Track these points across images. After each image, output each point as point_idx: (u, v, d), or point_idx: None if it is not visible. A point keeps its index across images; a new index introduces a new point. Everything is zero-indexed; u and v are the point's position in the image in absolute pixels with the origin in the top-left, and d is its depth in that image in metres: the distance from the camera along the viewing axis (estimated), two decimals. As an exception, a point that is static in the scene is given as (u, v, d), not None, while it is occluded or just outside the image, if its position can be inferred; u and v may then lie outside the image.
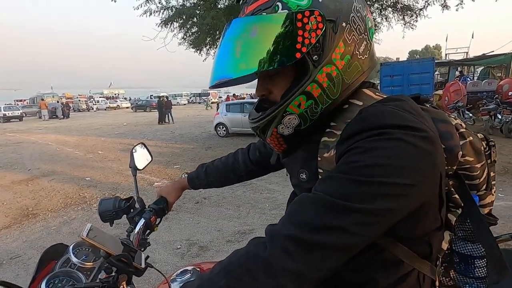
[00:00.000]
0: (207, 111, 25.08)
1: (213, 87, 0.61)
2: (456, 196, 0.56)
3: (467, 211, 0.57)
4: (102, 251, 0.59)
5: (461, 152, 0.54)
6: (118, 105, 38.02)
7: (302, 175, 0.60)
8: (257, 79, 0.61)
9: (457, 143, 0.53)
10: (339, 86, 0.54)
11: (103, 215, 0.91)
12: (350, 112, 0.54)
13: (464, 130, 0.58)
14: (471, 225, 0.60)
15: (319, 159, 0.54)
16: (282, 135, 0.58)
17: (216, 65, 0.57)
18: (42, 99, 25.92)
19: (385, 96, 0.56)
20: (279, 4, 0.51)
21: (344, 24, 0.52)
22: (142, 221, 0.90)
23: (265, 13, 0.52)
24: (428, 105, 0.58)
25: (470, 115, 9.04)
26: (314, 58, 0.51)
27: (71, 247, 0.78)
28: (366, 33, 0.55)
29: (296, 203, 0.48)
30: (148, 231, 0.93)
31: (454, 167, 0.55)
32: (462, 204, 0.56)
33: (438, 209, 0.52)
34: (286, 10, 0.50)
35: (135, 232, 0.89)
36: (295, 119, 0.55)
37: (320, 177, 0.54)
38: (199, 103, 42.41)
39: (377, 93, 0.57)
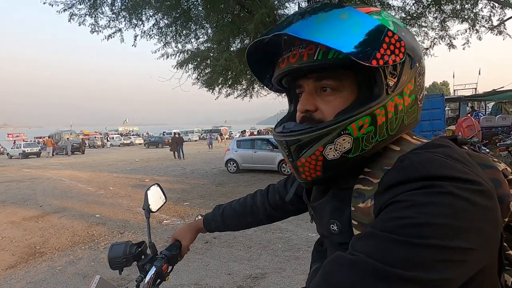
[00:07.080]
0: (216, 147, 25.30)
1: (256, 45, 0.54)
2: (511, 252, 0.49)
3: None
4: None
5: None
6: (131, 141, 39.27)
7: (332, 226, 0.54)
8: (303, 93, 0.55)
9: (507, 191, 0.46)
10: (399, 124, 0.51)
11: (112, 262, 0.85)
12: (387, 158, 0.50)
13: None
14: None
15: (352, 209, 0.49)
16: (325, 159, 0.50)
17: (295, 20, 0.50)
18: (49, 137, 29.46)
19: (424, 141, 0.52)
20: (376, 16, 0.50)
21: (417, 65, 0.52)
22: (153, 270, 0.84)
23: None
24: (466, 148, 0.53)
25: (488, 150, 8.79)
26: (389, 82, 0.49)
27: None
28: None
29: (333, 265, 0.41)
30: (159, 280, 0.86)
31: (506, 219, 0.48)
32: None
33: (498, 273, 0.46)
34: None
35: (145, 282, 0.82)
36: (349, 142, 0.49)
37: (354, 229, 0.49)
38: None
39: (414, 137, 0.54)
